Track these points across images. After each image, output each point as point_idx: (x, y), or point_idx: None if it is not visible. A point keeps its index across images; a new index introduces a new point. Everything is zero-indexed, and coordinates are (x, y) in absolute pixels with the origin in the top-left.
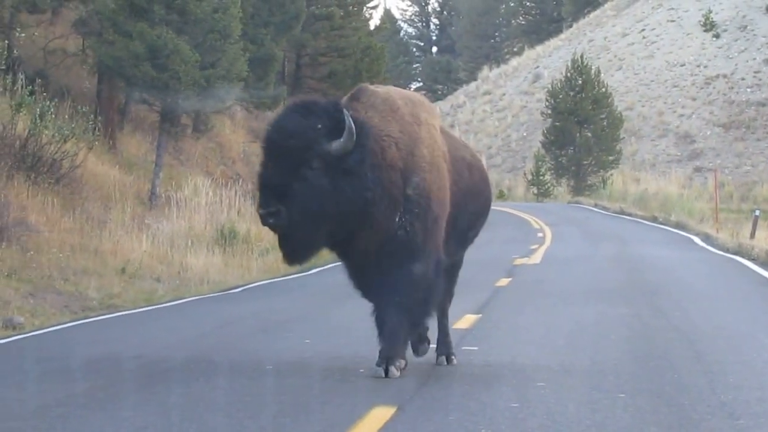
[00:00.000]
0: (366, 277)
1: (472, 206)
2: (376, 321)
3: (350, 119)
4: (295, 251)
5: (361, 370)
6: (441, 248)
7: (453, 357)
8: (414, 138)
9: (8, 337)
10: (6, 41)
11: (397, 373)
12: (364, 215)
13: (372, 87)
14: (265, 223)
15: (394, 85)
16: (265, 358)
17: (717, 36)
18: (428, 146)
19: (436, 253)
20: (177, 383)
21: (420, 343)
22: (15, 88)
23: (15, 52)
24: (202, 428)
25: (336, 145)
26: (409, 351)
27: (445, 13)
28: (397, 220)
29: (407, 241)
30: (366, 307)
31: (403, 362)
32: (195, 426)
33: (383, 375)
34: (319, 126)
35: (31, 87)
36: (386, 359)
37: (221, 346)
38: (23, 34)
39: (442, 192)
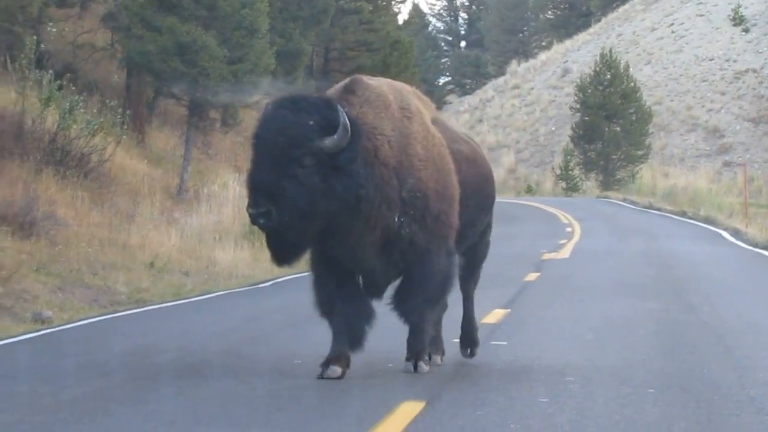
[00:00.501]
0: (373, 276)
1: (471, 201)
2: (405, 318)
3: (345, 116)
4: (284, 252)
5: (390, 365)
6: (450, 240)
7: (422, 364)
8: (406, 135)
9: (37, 331)
10: (35, 36)
11: (426, 368)
12: (357, 213)
13: (366, 79)
14: (254, 222)
15: (423, 80)
16: (293, 353)
17: (746, 30)
18: (421, 141)
19: (445, 247)
20: (205, 377)
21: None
22: (44, 82)
23: (44, 46)
24: (230, 422)
25: (329, 142)
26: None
27: (473, 7)
28: (396, 220)
29: (412, 243)
30: (388, 305)
31: (438, 357)
32: (224, 420)
33: (413, 370)
34: (311, 122)
35: (59, 81)
36: (415, 354)
37: (250, 341)
38: (54, 29)
39: (441, 185)
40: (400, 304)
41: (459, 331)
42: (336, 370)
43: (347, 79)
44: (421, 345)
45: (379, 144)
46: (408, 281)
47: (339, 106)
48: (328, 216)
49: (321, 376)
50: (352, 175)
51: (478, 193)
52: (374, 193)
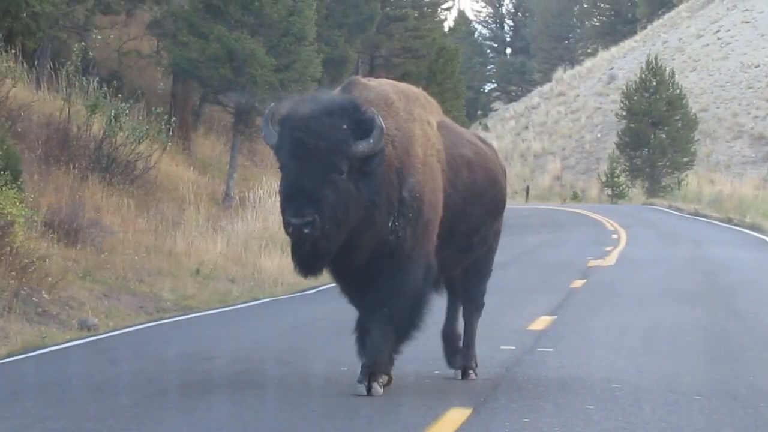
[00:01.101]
0: (356, 284)
1: (473, 208)
2: (358, 333)
3: (380, 118)
4: (317, 262)
5: (436, 372)
6: (431, 254)
7: (471, 372)
8: (409, 135)
9: (83, 338)
10: (81, 43)
11: (380, 390)
12: (368, 220)
13: (364, 80)
14: (295, 233)
15: (468, 87)
16: (339, 360)
17: None
18: (422, 144)
19: (425, 259)
20: (252, 384)
21: (452, 354)
22: (90, 89)
23: (90, 53)
24: (276, 429)
25: (363, 146)
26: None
27: (519, 14)
28: (390, 224)
29: (396, 247)
30: (438, 309)
31: (385, 378)
32: (269, 427)
33: (365, 392)
34: (345, 126)
35: (105, 89)
36: (368, 375)
37: (295, 348)
38: (99, 36)
39: (435, 194)
40: (364, 316)
41: (504, 336)
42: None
43: (345, 82)
44: (375, 365)
45: (383, 144)
46: (376, 295)
47: (371, 108)
48: (356, 224)
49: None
50: (374, 180)
51: (483, 197)
52: (383, 198)
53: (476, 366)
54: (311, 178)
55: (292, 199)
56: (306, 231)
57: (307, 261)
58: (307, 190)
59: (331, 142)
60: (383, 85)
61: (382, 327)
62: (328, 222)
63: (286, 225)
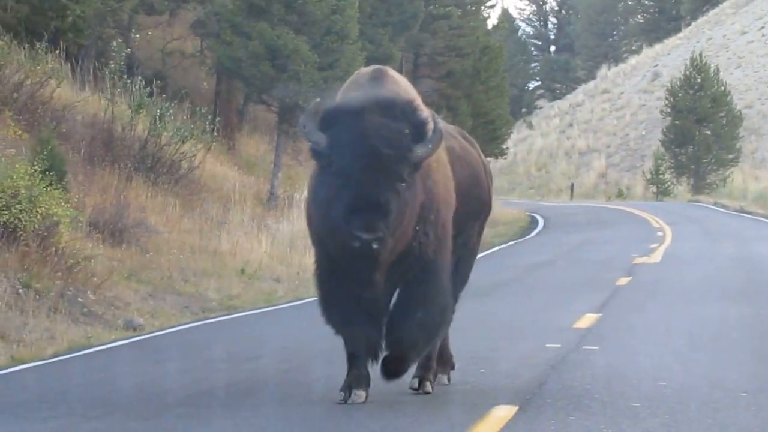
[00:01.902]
0: (376, 297)
1: (460, 207)
2: (392, 339)
3: (439, 121)
4: (374, 276)
5: (482, 371)
6: (450, 257)
7: (428, 384)
8: None
9: (128, 338)
10: (124, 43)
11: (430, 389)
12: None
13: (391, 71)
14: (365, 249)
15: (511, 85)
16: None
17: None
18: None
19: (448, 260)
20: (298, 384)
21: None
22: (133, 89)
23: (133, 53)
24: (322, 428)
25: (422, 152)
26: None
27: (563, 11)
28: (415, 229)
29: (421, 253)
30: (478, 309)
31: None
32: (316, 426)
33: (417, 387)
34: (407, 131)
35: (149, 88)
36: (422, 374)
37: (340, 347)
38: (144, 34)
39: (448, 191)
40: (393, 330)
41: (550, 334)
42: (361, 394)
43: (370, 69)
44: (399, 374)
45: None
46: (406, 300)
47: (427, 109)
48: None
49: (344, 401)
50: (415, 186)
51: (468, 195)
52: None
53: (434, 379)
54: (382, 188)
55: (362, 211)
56: (375, 246)
57: (367, 277)
58: (377, 202)
59: (398, 149)
60: (402, 77)
61: (416, 343)
62: (391, 235)
63: (352, 239)
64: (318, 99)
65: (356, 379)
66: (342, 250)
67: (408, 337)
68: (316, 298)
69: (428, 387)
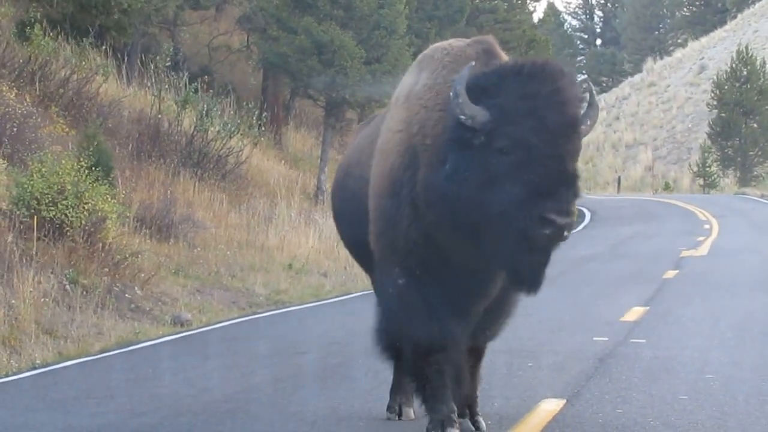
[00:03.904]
0: (464, 297)
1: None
2: (476, 360)
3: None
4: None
5: (530, 364)
6: None
7: (410, 410)
8: None
9: (176, 333)
10: (171, 39)
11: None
12: None
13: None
14: (556, 236)
15: None
16: None
17: None
18: None
19: None
20: (346, 378)
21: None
22: (180, 85)
23: (180, 49)
24: (369, 423)
25: (586, 129)
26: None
27: (609, 5)
28: None
29: None
30: (526, 303)
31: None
32: (363, 421)
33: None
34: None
35: (195, 84)
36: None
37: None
38: (187, 34)
39: None
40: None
41: (598, 327)
42: None
43: (465, 43)
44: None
45: None
46: (497, 310)
47: (588, 83)
48: None
49: None
50: None
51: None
52: None
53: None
54: (574, 164)
55: (555, 192)
56: (566, 234)
57: (543, 275)
58: (573, 180)
59: (584, 123)
60: None
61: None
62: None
63: (541, 225)
64: (471, 64)
65: (448, 420)
66: (535, 245)
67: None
68: (366, 292)
69: (410, 415)
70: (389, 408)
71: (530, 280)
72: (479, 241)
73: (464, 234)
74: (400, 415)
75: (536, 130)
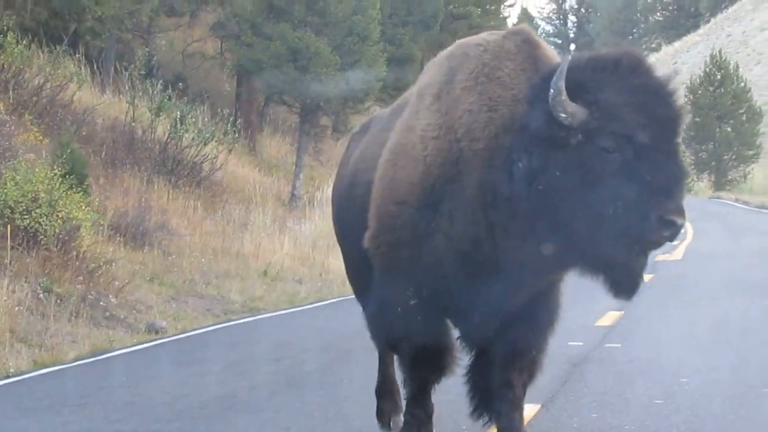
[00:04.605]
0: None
1: None
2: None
3: None
4: None
5: None
6: None
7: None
8: None
9: (151, 341)
10: (145, 46)
11: None
12: None
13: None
14: (671, 239)
15: None
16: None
17: None
18: None
19: None
20: (321, 385)
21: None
22: (154, 92)
23: (153, 57)
24: (346, 428)
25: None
26: None
27: (582, 10)
28: None
29: None
30: None
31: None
32: (339, 426)
33: None
34: None
35: (170, 91)
36: None
37: (362, 348)
38: (163, 42)
39: None
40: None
41: (573, 332)
42: None
43: (515, 31)
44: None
45: None
46: (531, 324)
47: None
48: None
49: None
50: None
51: None
52: None
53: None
54: (684, 164)
55: (675, 191)
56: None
57: (642, 278)
58: (685, 180)
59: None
60: None
61: (523, 379)
62: None
63: (666, 226)
64: (568, 58)
65: (424, 424)
66: (646, 250)
67: (517, 386)
68: (341, 299)
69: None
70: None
71: (631, 284)
72: (563, 244)
73: (541, 238)
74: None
75: (646, 126)
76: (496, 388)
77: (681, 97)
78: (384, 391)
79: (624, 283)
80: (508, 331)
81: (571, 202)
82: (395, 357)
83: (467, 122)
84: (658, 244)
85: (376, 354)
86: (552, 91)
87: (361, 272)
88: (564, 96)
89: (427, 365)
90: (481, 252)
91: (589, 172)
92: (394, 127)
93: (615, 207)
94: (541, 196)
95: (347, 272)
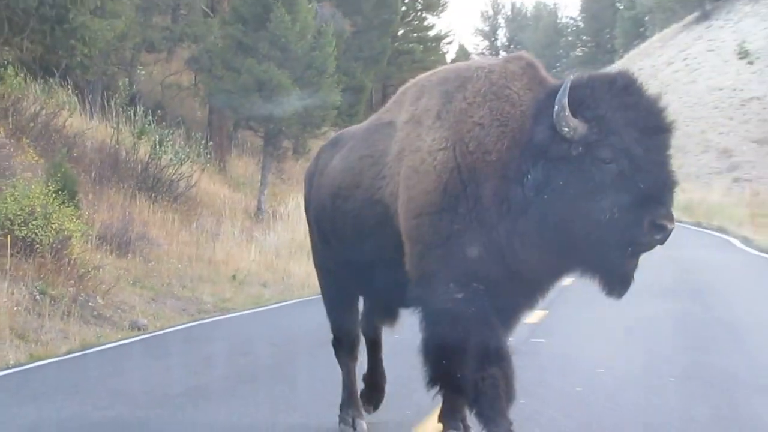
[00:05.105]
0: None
1: None
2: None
3: None
4: None
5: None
6: None
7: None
8: None
9: (134, 337)
10: (128, 78)
11: None
12: None
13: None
14: (661, 241)
15: None
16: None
17: (751, 63)
18: None
19: None
20: (283, 375)
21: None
22: (136, 118)
23: (135, 87)
24: (304, 415)
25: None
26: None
27: (512, 46)
28: None
29: None
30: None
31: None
32: (299, 413)
33: None
34: None
35: (150, 117)
36: None
37: (320, 343)
38: (143, 72)
39: None
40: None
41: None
42: None
43: (517, 57)
44: None
45: None
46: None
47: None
48: None
49: None
50: None
51: None
52: None
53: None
54: (674, 173)
55: (665, 198)
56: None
57: (633, 278)
58: (674, 188)
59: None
60: None
61: None
62: None
63: (657, 230)
64: (571, 77)
65: None
66: (640, 252)
67: None
68: (301, 300)
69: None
70: (342, 420)
71: (623, 283)
72: (566, 247)
73: (548, 242)
74: (354, 427)
75: (639, 139)
76: None
77: (670, 114)
78: (350, 402)
79: (617, 283)
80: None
81: (573, 208)
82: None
83: (478, 135)
84: (649, 247)
85: (330, 350)
86: (556, 107)
87: (343, 268)
88: (567, 112)
89: (490, 362)
90: (494, 257)
91: (588, 181)
92: (375, 143)
93: (612, 212)
94: (548, 204)
95: (323, 266)
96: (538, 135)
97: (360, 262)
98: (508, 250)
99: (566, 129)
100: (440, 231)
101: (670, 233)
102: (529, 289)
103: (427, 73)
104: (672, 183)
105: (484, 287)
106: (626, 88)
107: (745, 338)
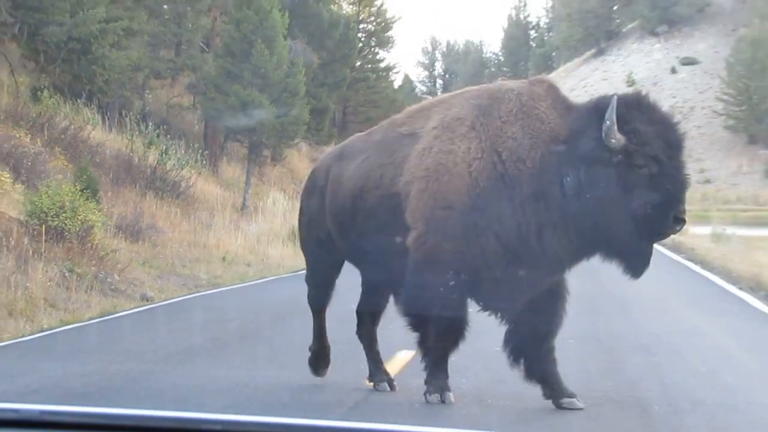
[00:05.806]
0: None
1: None
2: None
3: None
4: None
5: (390, 327)
6: None
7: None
8: None
9: (143, 306)
10: (140, 99)
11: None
12: None
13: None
14: (678, 231)
15: None
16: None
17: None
18: None
19: None
20: (262, 338)
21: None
22: (146, 132)
23: (146, 107)
24: (280, 365)
25: None
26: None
27: (447, 75)
28: None
29: None
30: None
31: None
32: (276, 363)
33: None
34: None
35: (157, 131)
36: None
37: (296, 312)
38: (151, 95)
39: None
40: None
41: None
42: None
43: (539, 80)
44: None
45: None
46: (555, 310)
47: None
48: None
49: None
50: None
51: None
52: None
53: None
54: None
55: (683, 196)
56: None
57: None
58: (688, 188)
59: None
60: None
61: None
62: None
63: (678, 222)
64: (616, 97)
65: (446, 386)
66: (654, 241)
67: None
68: (277, 277)
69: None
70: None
71: (645, 265)
72: (598, 237)
73: (583, 232)
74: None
75: (665, 148)
76: (543, 353)
77: (683, 127)
78: (320, 352)
79: (640, 265)
80: (546, 309)
81: (612, 205)
82: (417, 332)
83: (512, 147)
84: (669, 235)
85: (304, 318)
86: (607, 122)
87: (360, 256)
88: (615, 126)
89: (451, 335)
90: (527, 245)
91: (625, 182)
92: (395, 152)
93: (645, 208)
94: (588, 202)
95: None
96: (584, 145)
97: (374, 252)
98: (537, 241)
99: (613, 140)
100: (463, 228)
101: (685, 224)
102: (553, 267)
103: (451, 93)
104: (688, 184)
105: (481, 276)
106: (650, 106)
107: (630, 308)
